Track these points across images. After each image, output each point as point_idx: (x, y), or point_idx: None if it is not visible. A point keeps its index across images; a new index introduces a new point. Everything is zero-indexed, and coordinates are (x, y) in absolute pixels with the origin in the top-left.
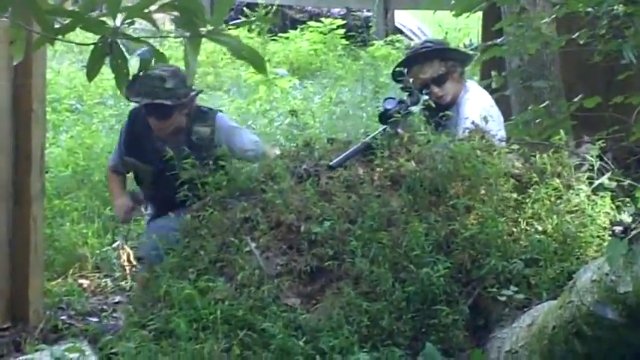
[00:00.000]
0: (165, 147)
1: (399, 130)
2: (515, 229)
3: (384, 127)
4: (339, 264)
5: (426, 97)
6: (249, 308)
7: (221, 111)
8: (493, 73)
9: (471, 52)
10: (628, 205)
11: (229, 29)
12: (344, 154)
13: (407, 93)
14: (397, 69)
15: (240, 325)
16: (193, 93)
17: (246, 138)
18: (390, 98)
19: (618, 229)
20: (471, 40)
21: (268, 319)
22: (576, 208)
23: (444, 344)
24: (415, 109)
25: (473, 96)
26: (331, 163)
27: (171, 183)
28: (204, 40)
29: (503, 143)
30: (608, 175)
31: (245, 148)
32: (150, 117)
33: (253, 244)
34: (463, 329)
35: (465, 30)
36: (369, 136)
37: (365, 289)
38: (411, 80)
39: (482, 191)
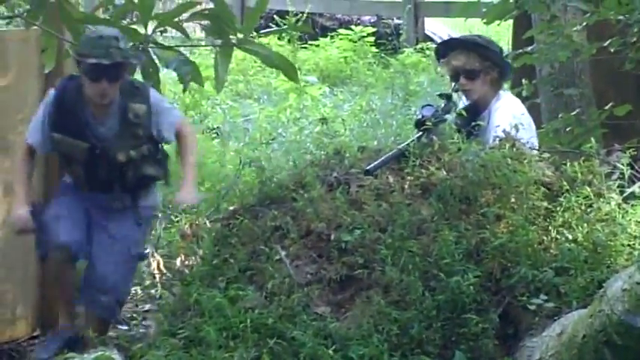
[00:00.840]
0: (100, 123)
1: (434, 138)
2: (545, 238)
3: (419, 134)
4: (369, 272)
5: (464, 104)
6: (279, 317)
7: (152, 86)
8: (524, 81)
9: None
10: None
11: (260, 37)
12: (380, 160)
13: (443, 101)
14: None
15: (270, 334)
16: (134, 60)
17: (172, 119)
18: (428, 105)
19: None
20: (501, 48)
21: (298, 327)
22: (607, 216)
23: (473, 353)
24: (449, 117)
25: (504, 104)
26: (367, 168)
27: (106, 162)
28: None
29: (535, 151)
30: (639, 183)
31: (168, 131)
32: (99, 81)
33: (283, 253)
34: (493, 338)
35: (496, 38)
36: (404, 143)
37: (395, 297)
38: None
39: (513, 200)
